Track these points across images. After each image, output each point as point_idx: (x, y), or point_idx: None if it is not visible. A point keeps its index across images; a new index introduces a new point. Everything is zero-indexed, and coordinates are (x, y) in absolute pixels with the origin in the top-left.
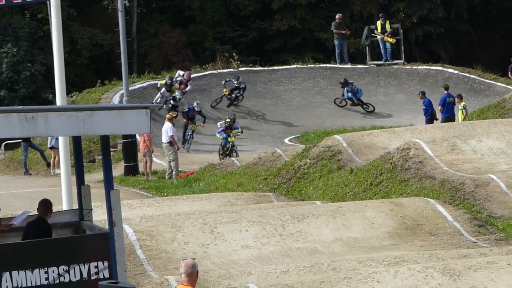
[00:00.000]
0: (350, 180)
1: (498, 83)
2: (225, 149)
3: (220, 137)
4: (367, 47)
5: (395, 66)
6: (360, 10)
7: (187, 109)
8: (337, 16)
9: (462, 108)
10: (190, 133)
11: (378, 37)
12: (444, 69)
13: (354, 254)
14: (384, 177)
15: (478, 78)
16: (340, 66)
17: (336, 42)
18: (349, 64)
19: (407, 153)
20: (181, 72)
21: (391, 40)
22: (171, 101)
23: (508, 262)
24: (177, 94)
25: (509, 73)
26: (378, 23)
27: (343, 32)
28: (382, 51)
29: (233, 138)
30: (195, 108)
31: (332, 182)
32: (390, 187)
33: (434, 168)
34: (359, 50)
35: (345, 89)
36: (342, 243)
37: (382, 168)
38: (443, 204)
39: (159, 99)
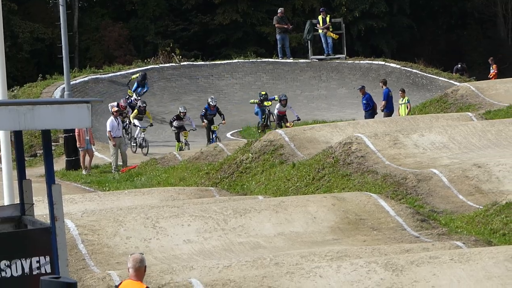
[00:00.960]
0: (293, 174)
1: (440, 78)
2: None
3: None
4: (309, 42)
5: (337, 61)
6: (302, 4)
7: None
8: (279, 10)
9: (405, 102)
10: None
11: (320, 31)
12: (386, 63)
13: (296, 249)
14: (326, 171)
15: (420, 72)
16: (282, 60)
17: (278, 36)
18: (291, 58)
19: (349, 147)
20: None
21: (333, 35)
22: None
23: (451, 257)
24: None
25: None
26: (320, 17)
27: (285, 26)
28: (324, 45)
29: (216, 127)
30: (210, 102)
31: (275, 176)
32: (333, 181)
33: (376, 163)
34: (301, 45)
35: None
36: (285, 238)
37: (324, 162)
38: (386, 199)
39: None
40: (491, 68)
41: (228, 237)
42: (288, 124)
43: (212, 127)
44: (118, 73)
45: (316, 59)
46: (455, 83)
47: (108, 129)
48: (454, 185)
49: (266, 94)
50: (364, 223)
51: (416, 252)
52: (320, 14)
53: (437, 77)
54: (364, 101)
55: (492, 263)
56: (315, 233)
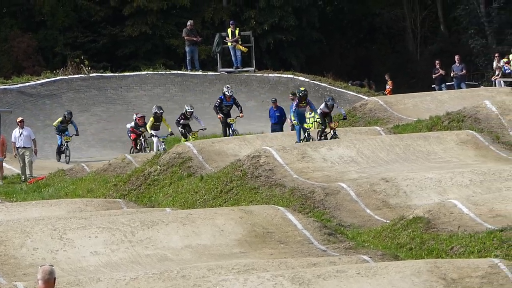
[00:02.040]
0: (200, 187)
1: (349, 92)
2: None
3: (294, 119)
4: (218, 54)
5: (246, 74)
6: (212, 17)
7: None
8: (188, 23)
9: (314, 116)
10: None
11: (229, 44)
12: (295, 77)
13: (203, 262)
14: (234, 184)
15: (328, 86)
16: (191, 73)
17: (187, 48)
18: (200, 71)
19: (258, 160)
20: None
21: (242, 48)
22: None
23: (357, 271)
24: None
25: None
26: (229, 30)
27: (195, 38)
28: (233, 58)
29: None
30: (226, 92)
31: (182, 189)
32: (240, 194)
33: (284, 176)
34: (210, 57)
35: None
36: (192, 250)
37: (232, 175)
38: (293, 212)
39: None
40: (387, 85)
41: (135, 249)
42: (332, 125)
43: (228, 120)
44: (27, 84)
45: (225, 71)
46: (364, 97)
47: (12, 140)
48: (361, 199)
49: (305, 90)
50: (272, 236)
51: (323, 266)
52: (229, 27)
53: (346, 91)
54: (277, 113)
55: (399, 278)
56: (222, 246)
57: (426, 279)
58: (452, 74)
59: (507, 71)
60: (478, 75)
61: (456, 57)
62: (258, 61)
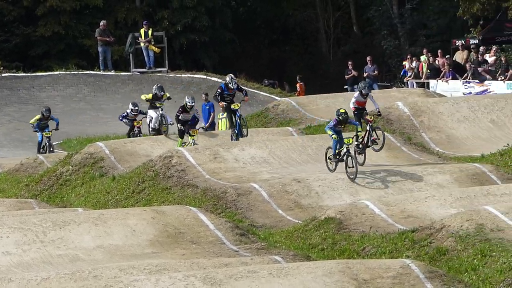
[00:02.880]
0: (113, 187)
1: (262, 92)
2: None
3: (331, 133)
4: (131, 55)
5: (158, 74)
6: (125, 17)
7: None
8: (101, 23)
9: (225, 116)
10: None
11: (142, 44)
12: (207, 77)
13: (115, 262)
14: (146, 184)
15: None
16: (103, 73)
17: (100, 49)
18: (113, 71)
19: (170, 161)
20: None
21: (155, 48)
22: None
23: (269, 271)
24: None
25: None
26: (142, 30)
27: (107, 39)
28: (146, 58)
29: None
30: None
31: (94, 189)
32: (153, 194)
33: (197, 177)
34: (123, 58)
35: None
36: (104, 251)
37: (144, 175)
38: (205, 213)
39: None
40: (297, 86)
41: (47, 249)
42: (368, 117)
43: (232, 106)
44: None
45: (138, 72)
46: (276, 97)
47: None
48: (273, 199)
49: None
50: (184, 237)
51: (235, 266)
52: (142, 27)
53: (259, 92)
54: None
55: (311, 278)
56: (134, 246)
57: (338, 280)
58: (364, 75)
59: (408, 74)
60: (391, 76)
61: (368, 58)
62: (171, 61)
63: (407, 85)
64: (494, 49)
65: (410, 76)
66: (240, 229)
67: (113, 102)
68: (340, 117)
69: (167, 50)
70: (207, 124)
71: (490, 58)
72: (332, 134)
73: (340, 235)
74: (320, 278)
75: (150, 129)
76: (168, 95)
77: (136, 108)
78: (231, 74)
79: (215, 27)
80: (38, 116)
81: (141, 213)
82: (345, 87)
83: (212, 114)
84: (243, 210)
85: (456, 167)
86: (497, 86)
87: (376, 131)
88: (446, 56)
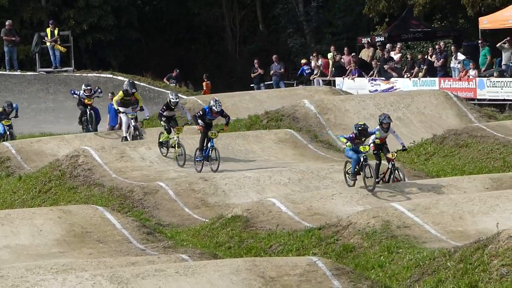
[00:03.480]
0: (19, 187)
1: (168, 91)
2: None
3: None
4: (36, 54)
5: (64, 74)
6: (30, 16)
7: None
8: (7, 23)
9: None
10: None
11: (48, 44)
12: (114, 76)
13: (22, 262)
14: (53, 184)
15: (148, 86)
16: (9, 73)
17: (5, 48)
18: (19, 71)
19: (76, 160)
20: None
21: (61, 48)
22: None
23: (176, 270)
24: None
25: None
26: (48, 30)
27: (13, 38)
28: (52, 58)
29: None
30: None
31: (1, 189)
32: (59, 194)
33: (103, 176)
34: (29, 57)
35: None
36: (10, 251)
37: (51, 175)
38: (112, 212)
39: None
40: (203, 85)
41: None
42: (389, 155)
43: (209, 133)
44: None
45: (44, 71)
46: (183, 96)
47: None
48: (180, 198)
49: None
50: (90, 236)
51: (142, 265)
52: (48, 27)
53: (165, 90)
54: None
55: (217, 276)
56: (41, 246)
57: (245, 278)
58: (271, 73)
59: (306, 72)
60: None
61: (274, 56)
62: (77, 60)
63: (313, 83)
64: (399, 46)
65: (316, 74)
66: (147, 228)
67: (19, 101)
68: (358, 128)
69: (73, 49)
70: (117, 125)
71: (395, 55)
72: (346, 142)
73: (247, 233)
74: (227, 276)
75: (122, 138)
76: (139, 97)
77: (89, 87)
78: (215, 97)
79: (121, 26)
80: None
81: (47, 212)
82: (251, 85)
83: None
84: (150, 209)
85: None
86: (403, 84)
87: (399, 171)
88: (352, 54)
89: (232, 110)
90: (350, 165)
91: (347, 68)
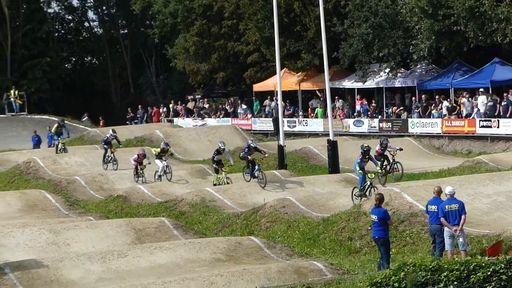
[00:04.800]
0: None
1: (80, 126)
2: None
3: (358, 168)
4: (5, 105)
5: (21, 116)
6: (1, 83)
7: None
8: None
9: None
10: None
11: (12, 99)
12: (49, 117)
13: None
14: (16, 178)
15: (69, 122)
16: None
17: None
18: None
19: (29, 164)
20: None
21: (19, 101)
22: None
23: (86, 225)
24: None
25: None
26: (12, 91)
27: None
28: (14, 107)
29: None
30: (251, 144)
31: None
32: (19, 184)
33: (44, 173)
34: (1, 107)
35: None
36: None
37: (14, 173)
38: (50, 193)
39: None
40: (100, 122)
41: None
42: (392, 152)
43: (256, 160)
44: None
45: (10, 114)
46: (88, 128)
47: None
48: (87, 185)
49: (368, 146)
50: (38, 207)
51: (67, 223)
52: (12, 89)
53: (80, 126)
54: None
55: (109, 228)
56: (9, 212)
57: (124, 229)
58: (137, 116)
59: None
60: (150, 117)
61: (139, 106)
62: (28, 108)
63: (163, 121)
64: (208, 100)
65: (166, 116)
66: (69, 202)
67: None
68: (364, 149)
69: (26, 102)
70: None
71: (206, 105)
72: (359, 170)
73: (125, 205)
74: (114, 228)
75: (156, 176)
76: (171, 152)
77: (114, 134)
78: (251, 138)
79: (53, 89)
80: (55, 125)
81: (13, 194)
82: (126, 122)
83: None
84: (71, 191)
85: (189, 166)
86: (211, 121)
87: (397, 164)
88: (183, 105)
89: (119, 134)
90: (357, 189)
91: (179, 112)
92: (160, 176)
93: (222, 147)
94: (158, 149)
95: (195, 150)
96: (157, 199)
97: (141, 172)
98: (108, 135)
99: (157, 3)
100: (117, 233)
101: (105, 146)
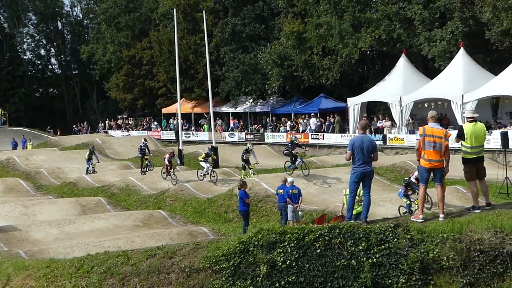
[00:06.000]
0: None
1: (44, 134)
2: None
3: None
4: None
5: (4, 128)
6: None
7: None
8: None
9: None
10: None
11: None
12: (24, 129)
13: None
14: (0, 170)
15: (36, 132)
16: None
17: None
18: None
19: (9, 160)
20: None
21: (3, 118)
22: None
23: (48, 202)
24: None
25: None
26: None
27: None
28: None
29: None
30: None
31: None
32: (2, 174)
33: (20, 167)
34: None
35: None
36: None
37: None
38: (24, 180)
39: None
40: (58, 132)
41: None
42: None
43: (299, 154)
44: None
45: None
46: (49, 136)
47: None
48: (49, 175)
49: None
50: (14, 189)
51: (34, 200)
52: None
53: (44, 134)
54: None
55: (64, 204)
56: None
57: (74, 205)
58: (83, 128)
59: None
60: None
61: (85, 122)
62: (10, 122)
63: (101, 132)
64: (131, 118)
65: (103, 129)
66: (36, 186)
67: None
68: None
69: (8, 118)
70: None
71: (130, 121)
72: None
73: (75, 188)
74: (67, 204)
75: (201, 176)
76: (214, 157)
77: (145, 142)
78: (293, 136)
79: (26, 110)
80: (88, 152)
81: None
82: (75, 133)
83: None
84: (38, 179)
85: (119, 162)
86: (134, 133)
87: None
88: (115, 121)
89: (70, 141)
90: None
91: (112, 126)
92: (204, 175)
93: (250, 148)
94: (204, 154)
95: (122, 151)
96: (96, 184)
97: (172, 172)
98: (141, 144)
99: (98, 53)
100: (68, 208)
101: (140, 154)
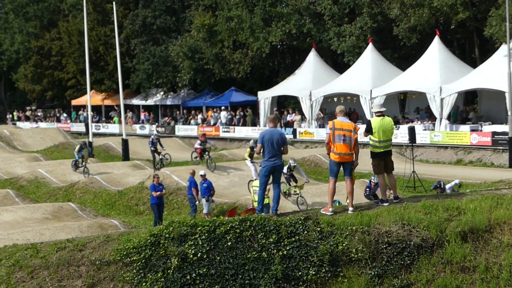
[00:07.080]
0: None
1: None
2: None
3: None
4: None
5: None
6: None
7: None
8: None
9: None
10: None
11: None
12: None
13: None
14: None
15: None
16: None
17: None
18: None
19: None
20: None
21: None
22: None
23: (11, 209)
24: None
25: None
26: None
27: None
28: None
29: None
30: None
31: None
32: None
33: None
34: None
35: None
36: None
37: None
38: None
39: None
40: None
41: None
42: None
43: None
44: None
45: None
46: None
47: None
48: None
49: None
50: None
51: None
52: None
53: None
54: None
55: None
56: None
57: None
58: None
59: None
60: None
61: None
62: None
63: (9, 124)
64: (39, 110)
65: (12, 121)
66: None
67: None
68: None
69: None
70: None
71: (39, 113)
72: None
73: (42, 187)
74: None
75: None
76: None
77: (157, 134)
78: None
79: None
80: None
81: None
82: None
83: None
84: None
85: (27, 154)
86: (43, 125)
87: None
88: (23, 113)
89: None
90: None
91: (21, 117)
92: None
93: (293, 165)
94: (248, 151)
95: (31, 143)
96: (4, 176)
97: (207, 156)
98: (152, 137)
99: (5, 43)
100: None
101: (152, 148)
